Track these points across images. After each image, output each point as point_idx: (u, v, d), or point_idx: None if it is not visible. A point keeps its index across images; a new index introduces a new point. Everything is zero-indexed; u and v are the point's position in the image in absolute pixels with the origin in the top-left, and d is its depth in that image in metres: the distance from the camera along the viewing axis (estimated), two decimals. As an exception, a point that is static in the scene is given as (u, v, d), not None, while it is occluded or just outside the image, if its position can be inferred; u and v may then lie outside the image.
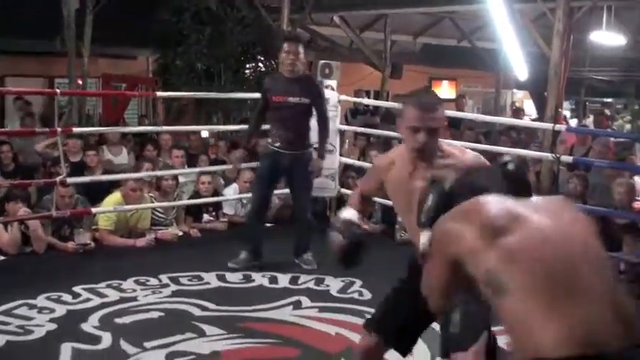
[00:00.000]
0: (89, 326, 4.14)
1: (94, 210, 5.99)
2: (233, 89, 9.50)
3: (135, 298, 4.67)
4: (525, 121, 10.00)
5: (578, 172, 6.51)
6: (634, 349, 1.65)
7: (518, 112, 12.06)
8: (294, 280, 5.18)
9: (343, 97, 7.38)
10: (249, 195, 6.00)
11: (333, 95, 7.09)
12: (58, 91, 6.90)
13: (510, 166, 2.03)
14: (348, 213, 2.88)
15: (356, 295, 4.89)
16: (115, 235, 6.04)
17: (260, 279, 5.20)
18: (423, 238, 2.08)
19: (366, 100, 10.99)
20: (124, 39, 10.98)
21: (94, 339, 3.95)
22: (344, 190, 6.83)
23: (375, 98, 12.34)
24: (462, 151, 2.70)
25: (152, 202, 6.33)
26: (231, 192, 6.91)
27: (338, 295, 4.90)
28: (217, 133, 9.03)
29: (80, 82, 9.82)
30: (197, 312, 4.44)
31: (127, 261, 5.51)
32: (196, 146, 8.05)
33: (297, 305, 4.65)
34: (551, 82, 6.77)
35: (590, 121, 14.73)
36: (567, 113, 15.82)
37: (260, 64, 10.75)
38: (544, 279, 1.69)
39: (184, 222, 6.61)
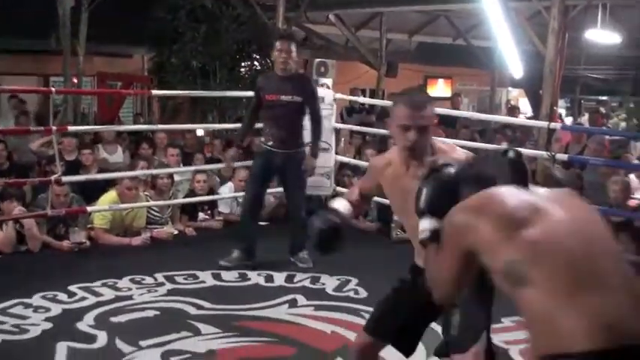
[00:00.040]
0: (84, 325, 4.14)
1: (89, 209, 5.98)
2: (228, 87, 9.48)
3: (130, 297, 4.66)
4: (520, 120, 10.03)
5: (573, 170, 6.53)
6: None
7: (513, 111, 12.09)
8: (289, 279, 5.18)
9: (339, 96, 7.38)
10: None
11: (328, 94, 7.09)
12: (53, 89, 6.88)
13: (511, 154, 2.02)
14: (338, 202, 2.88)
15: (352, 294, 4.89)
16: (110, 233, 6.03)
17: (256, 277, 5.20)
18: (423, 225, 2.06)
19: (361, 99, 11.02)
20: (120, 37, 10.96)
21: (89, 338, 3.95)
22: (339, 189, 6.83)
23: (371, 97, 12.37)
24: (452, 149, 2.71)
25: (147, 201, 6.32)
26: (226, 191, 6.90)
27: (334, 293, 4.90)
28: (213, 132, 9.03)
29: (75, 80, 9.80)
30: (192, 311, 4.44)
31: (122, 260, 5.51)
32: (192, 145, 8.05)
33: (293, 304, 4.65)
34: (547, 80, 6.79)
35: (585, 119, 14.76)
36: (562, 111, 15.85)
37: (255, 63, 10.74)
38: (566, 271, 1.68)
39: (180, 221, 6.60)
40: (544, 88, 6.86)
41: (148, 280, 5.02)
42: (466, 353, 2.54)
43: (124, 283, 4.93)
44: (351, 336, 3.99)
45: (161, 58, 10.61)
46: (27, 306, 4.40)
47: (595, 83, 15.82)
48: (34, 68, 11.72)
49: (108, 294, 4.70)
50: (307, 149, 5.50)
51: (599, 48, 10.52)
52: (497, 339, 2.75)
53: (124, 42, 11.58)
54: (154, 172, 6.60)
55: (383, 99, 10.72)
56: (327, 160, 6.95)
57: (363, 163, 7.27)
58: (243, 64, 10.74)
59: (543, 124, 6.41)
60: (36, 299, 4.52)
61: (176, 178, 6.84)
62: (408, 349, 2.83)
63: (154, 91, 9.67)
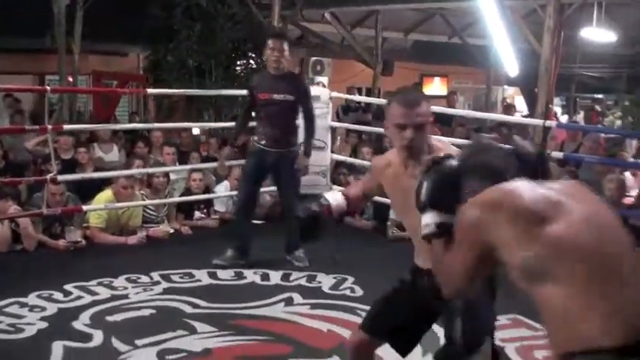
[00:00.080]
0: (80, 324, 4.13)
1: (84, 208, 5.97)
2: (224, 86, 9.47)
3: (126, 296, 4.66)
4: (516, 118, 10.04)
5: (568, 168, 6.54)
6: None
7: (509, 109, 12.09)
8: (285, 277, 5.18)
9: (335, 94, 7.39)
10: (240, 192, 5.99)
11: (324, 92, 7.09)
12: (48, 88, 6.84)
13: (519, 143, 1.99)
14: (331, 194, 2.88)
15: (348, 292, 4.89)
16: (106, 232, 6.02)
17: (252, 276, 5.19)
18: (425, 219, 2.03)
19: (357, 97, 11.02)
20: (115, 35, 10.96)
21: (85, 337, 3.94)
22: (335, 187, 6.83)
23: (367, 95, 12.36)
24: (447, 147, 2.70)
25: (143, 200, 6.31)
26: (222, 189, 6.90)
27: (330, 291, 4.91)
28: (209, 130, 9.02)
29: (71, 79, 9.78)
30: (188, 309, 4.44)
31: (118, 259, 5.50)
32: (187, 143, 8.04)
33: (289, 302, 4.65)
34: (542, 78, 6.80)
35: (580, 117, 14.77)
36: (558, 109, 15.85)
37: (251, 61, 10.73)
38: (588, 267, 1.67)
39: (175, 219, 6.60)
40: (539, 86, 6.87)
41: (144, 278, 5.02)
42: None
43: (120, 282, 4.92)
44: (347, 334, 3.98)
45: (157, 56, 10.60)
46: (22, 305, 4.40)
47: (590, 81, 15.83)
48: (29, 67, 11.70)
49: (104, 293, 4.69)
50: (301, 148, 5.49)
51: (595, 46, 10.53)
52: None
53: (119, 40, 11.57)
54: (150, 170, 6.59)
55: (379, 97, 10.72)
56: (323, 158, 6.96)
57: (358, 162, 7.28)
58: (238, 62, 10.74)
59: (539, 122, 6.42)
60: (31, 298, 4.51)
61: (172, 176, 6.84)
62: (404, 349, 2.82)
63: (150, 90, 9.64)
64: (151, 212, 6.36)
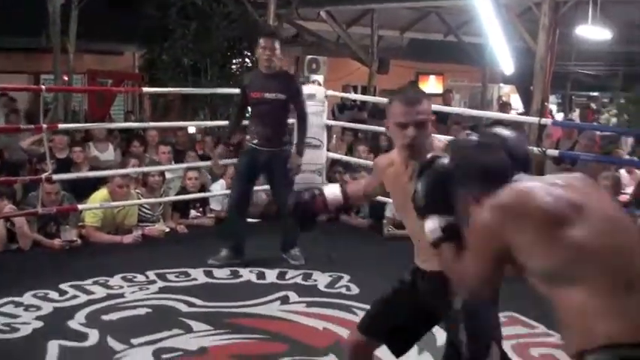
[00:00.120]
0: (76, 323, 4.12)
1: (80, 207, 5.96)
2: (219, 85, 9.46)
3: (122, 295, 4.65)
4: (512, 115, 10.04)
5: (564, 166, 6.55)
6: None
7: (504, 107, 12.10)
8: (281, 276, 5.18)
9: (330, 92, 7.38)
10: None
11: (320, 90, 7.09)
12: (43, 87, 6.85)
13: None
14: (328, 187, 2.89)
15: (344, 290, 4.89)
16: (101, 231, 6.01)
17: (247, 274, 5.19)
18: (429, 226, 2.01)
19: (353, 96, 11.01)
20: (110, 34, 10.94)
21: (80, 336, 3.94)
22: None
23: (363, 93, 12.34)
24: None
25: (139, 199, 6.30)
26: (218, 188, 6.89)
27: (325, 289, 4.90)
28: (204, 129, 9.01)
29: (66, 78, 9.76)
30: (184, 308, 4.43)
31: (113, 258, 5.49)
32: (183, 142, 8.04)
33: (285, 300, 4.64)
34: (537, 76, 6.80)
35: (576, 114, 14.82)
36: (553, 107, 15.87)
37: (247, 60, 10.72)
38: (608, 267, 1.68)
39: (171, 218, 6.59)
40: (535, 84, 6.87)
41: (140, 277, 5.01)
42: None
43: (116, 281, 4.91)
44: (343, 332, 4.00)
45: (152, 55, 10.58)
46: (18, 305, 4.38)
47: (586, 79, 15.85)
48: (24, 66, 11.68)
49: (99, 292, 4.68)
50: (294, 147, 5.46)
51: (590, 44, 10.53)
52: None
53: (114, 39, 11.56)
54: (146, 169, 6.58)
55: (375, 96, 10.72)
56: (319, 156, 6.96)
57: (354, 160, 7.29)
58: (234, 61, 10.73)
59: (534, 119, 6.42)
60: (27, 298, 4.50)
61: (167, 175, 6.83)
62: (399, 350, 2.80)
63: (145, 89, 9.62)
64: (147, 211, 6.36)
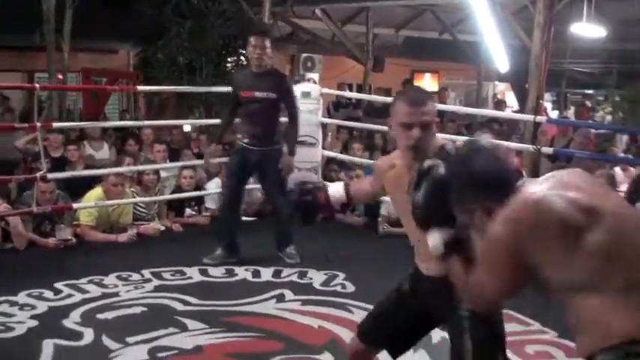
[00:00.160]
0: (71, 322, 4.12)
1: (75, 205, 5.95)
2: (215, 83, 9.45)
3: (117, 294, 4.64)
4: (507, 113, 10.05)
5: (559, 164, 6.55)
6: None
7: (500, 104, 12.11)
8: (277, 274, 5.17)
9: (325, 91, 7.38)
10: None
11: (315, 88, 7.09)
12: (37, 85, 6.84)
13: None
14: (333, 185, 2.89)
15: (339, 288, 4.88)
16: (96, 230, 6.00)
17: (243, 273, 5.19)
18: (432, 240, 1.98)
19: (348, 94, 11.01)
20: (105, 33, 10.90)
21: (75, 335, 3.93)
22: (327, 183, 6.81)
23: (358, 91, 12.34)
24: None
25: (134, 197, 6.29)
26: (213, 186, 6.88)
27: (321, 287, 4.90)
28: (199, 127, 8.99)
29: (60, 76, 9.74)
30: (179, 307, 4.43)
31: (108, 256, 5.48)
32: (178, 141, 8.03)
33: (280, 298, 4.64)
34: (532, 74, 6.79)
35: (571, 112, 14.82)
36: (548, 105, 15.88)
37: (242, 58, 10.70)
38: (627, 268, 1.67)
39: (166, 217, 6.58)
40: (530, 81, 6.87)
41: (135, 276, 5.00)
42: None
43: (111, 279, 4.91)
44: (339, 330, 4.01)
45: (147, 53, 10.56)
46: (12, 304, 4.38)
47: (581, 77, 15.86)
48: (18, 64, 11.64)
49: (94, 291, 4.68)
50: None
51: (585, 42, 10.55)
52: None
53: (109, 38, 11.52)
54: (140, 168, 6.58)
55: (370, 94, 10.71)
56: (314, 154, 6.96)
57: (349, 158, 7.29)
58: (229, 59, 10.71)
59: (529, 117, 6.43)
60: (21, 297, 4.49)
61: (163, 174, 6.82)
62: (397, 352, 2.79)
63: (140, 87, 9.61)
64: (142, 210, 6.35)
